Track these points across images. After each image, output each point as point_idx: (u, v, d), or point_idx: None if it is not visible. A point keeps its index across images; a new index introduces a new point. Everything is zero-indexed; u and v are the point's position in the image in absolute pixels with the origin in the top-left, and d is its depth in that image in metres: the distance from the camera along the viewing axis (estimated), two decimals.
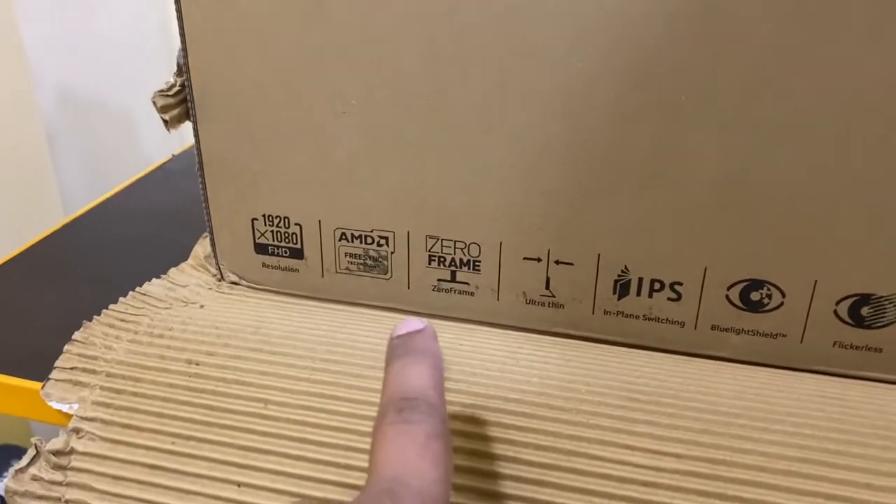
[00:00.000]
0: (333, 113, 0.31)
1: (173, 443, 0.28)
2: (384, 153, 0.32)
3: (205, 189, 0.35)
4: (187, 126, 0.34)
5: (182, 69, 0.33)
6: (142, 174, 0.53)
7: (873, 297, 0.29)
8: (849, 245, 0.28)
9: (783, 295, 0.30)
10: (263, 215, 0.35)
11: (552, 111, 0.29)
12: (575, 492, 0.25)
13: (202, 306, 0.34)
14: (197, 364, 0.30)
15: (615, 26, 0.27)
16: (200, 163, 0.34)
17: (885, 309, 0.29)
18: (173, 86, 0.33)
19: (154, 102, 0.33)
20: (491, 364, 0.30)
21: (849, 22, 0.25)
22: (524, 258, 0.32)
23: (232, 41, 0.31)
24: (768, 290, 0.30)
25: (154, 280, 0.37)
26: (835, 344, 0.30)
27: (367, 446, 0.27)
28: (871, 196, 0.27)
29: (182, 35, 0.32)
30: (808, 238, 0.28)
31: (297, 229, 0.34)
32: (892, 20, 0.25)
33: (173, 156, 0.55)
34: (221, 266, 0.37)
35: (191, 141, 0.34)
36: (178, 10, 0.31)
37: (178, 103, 0.34)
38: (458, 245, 0.33)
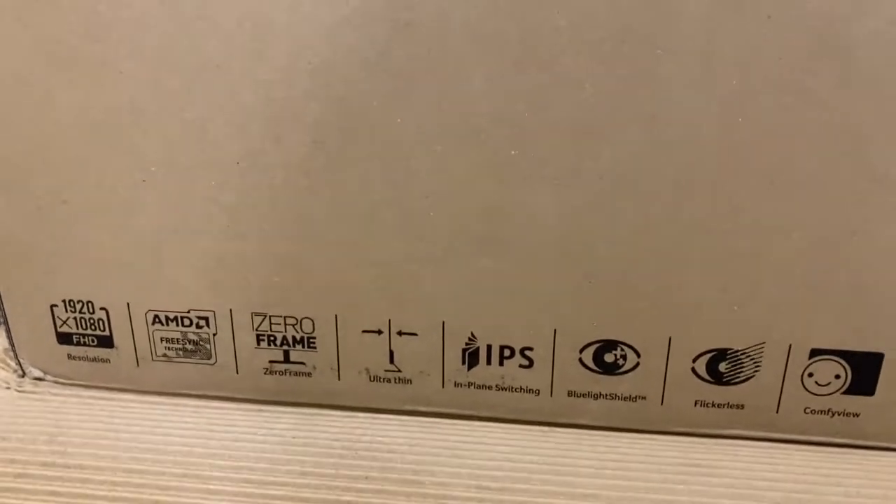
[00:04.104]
0: (131, 181, 0.27)
1: None
2: (194, 225, 0.28)
3: None
4: None
5: None
6: None
7: (729, 351, 0.27)
8: (699, 299, 0.26)
9: (638, 355, 0.28)
10: (64, 301, 0.30)
11: (373, 175, 0.26)
12: None
13: None
14: None
15: (435, 79, 0.24)
16: None
17: (743, 363, 0.27)
18: None
19: None
20: (326, 460, 0.26)
21: (676, 64, 0.24)
22: (364, 331, 0.29)
23: (7, 101, 0.27)
24: (622, 350, 0.28)
25: None
26: (696, 403, 0.28)
27: None
28: (715, 247, 0.26)
29: None
30: (656, 295, 0.26)
31: (103, 314, 0.30)
32: (711, 68, 0.23)
33: None
34: (22, 361, 0.32)
35: None
36: None
37: None
38: (288, 321, 0.29)
